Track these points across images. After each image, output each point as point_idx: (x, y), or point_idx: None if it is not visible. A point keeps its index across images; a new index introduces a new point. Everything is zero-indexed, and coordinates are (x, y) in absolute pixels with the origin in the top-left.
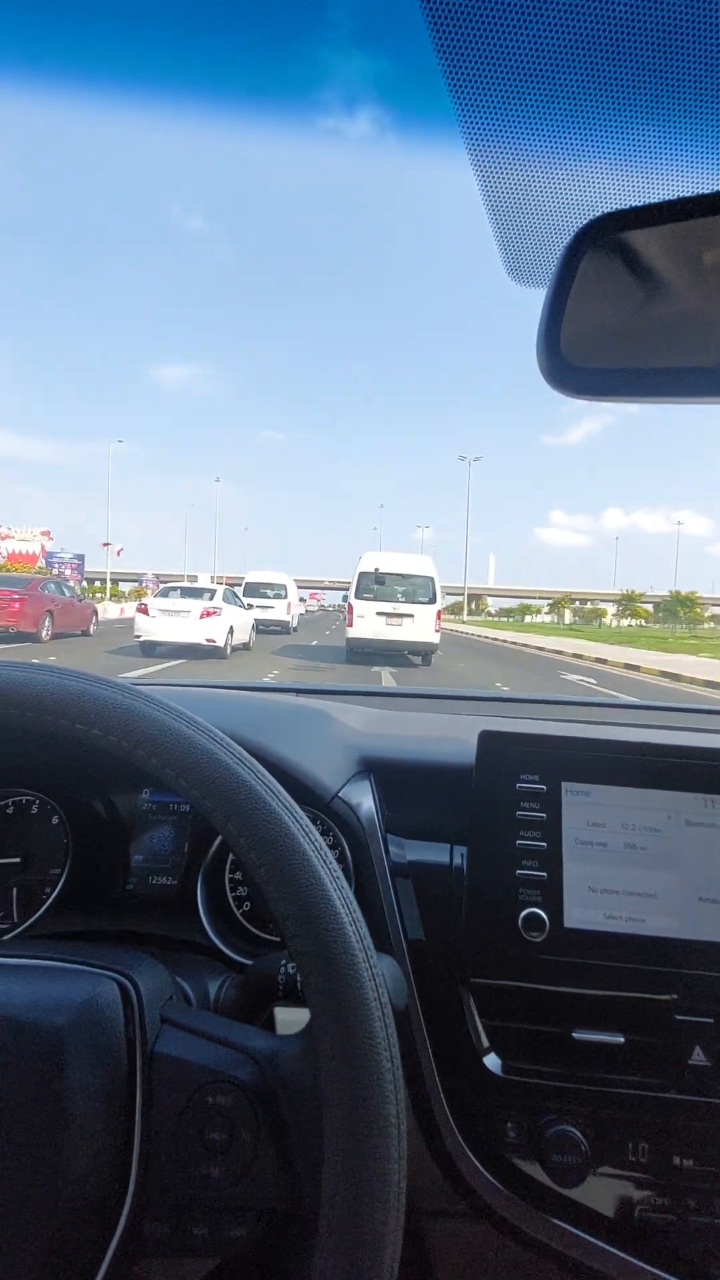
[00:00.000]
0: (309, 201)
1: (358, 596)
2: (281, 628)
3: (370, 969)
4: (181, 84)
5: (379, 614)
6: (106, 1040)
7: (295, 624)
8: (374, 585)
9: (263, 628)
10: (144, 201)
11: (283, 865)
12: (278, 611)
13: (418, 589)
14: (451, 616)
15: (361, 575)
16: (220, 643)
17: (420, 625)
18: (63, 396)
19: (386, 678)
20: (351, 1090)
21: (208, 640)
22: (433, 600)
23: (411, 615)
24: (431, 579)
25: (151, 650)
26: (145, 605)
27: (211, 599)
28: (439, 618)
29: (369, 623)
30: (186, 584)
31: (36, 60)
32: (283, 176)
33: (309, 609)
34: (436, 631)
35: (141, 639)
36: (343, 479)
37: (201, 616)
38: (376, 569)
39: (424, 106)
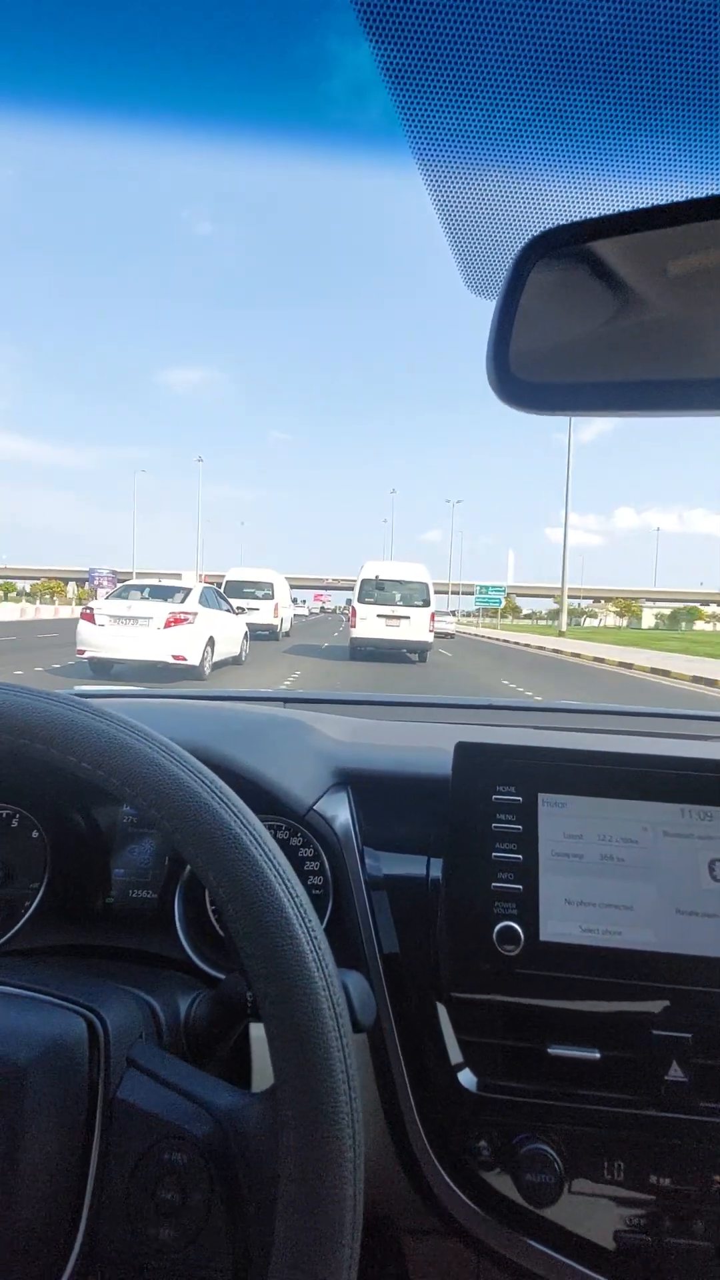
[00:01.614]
0: (314, 205)
1: (360, 601)
2: (268, 633)
3: (332, 1006)
4: (187, 92)
5: (379, 616)
6: (69, 1082)
7: (287, 628)
8: (375, 590)
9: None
10: (155, 208)
11: (243, 888)
12: (263, 614)
13: (414, 593)
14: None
15: (363, 582)
16: (193, 659)
17: (416, 626)
18: (71, 401)
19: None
20: (308, 1168)
21: (175, 657)
22: (427, 604)
23: (408, 617)
24: (426, 584)
25: (105, 670)
26: (91, 611)
27: (184, 601)
28: (433, 619)
29: (370, 624)
30: (154, 582)
31: (41, 65)
32: (288, 180)
33: (312, 611)
34: (430, 631)
35: (87, 655)
36: (352, 474)
37: (167, 625)
38: (377, 576)
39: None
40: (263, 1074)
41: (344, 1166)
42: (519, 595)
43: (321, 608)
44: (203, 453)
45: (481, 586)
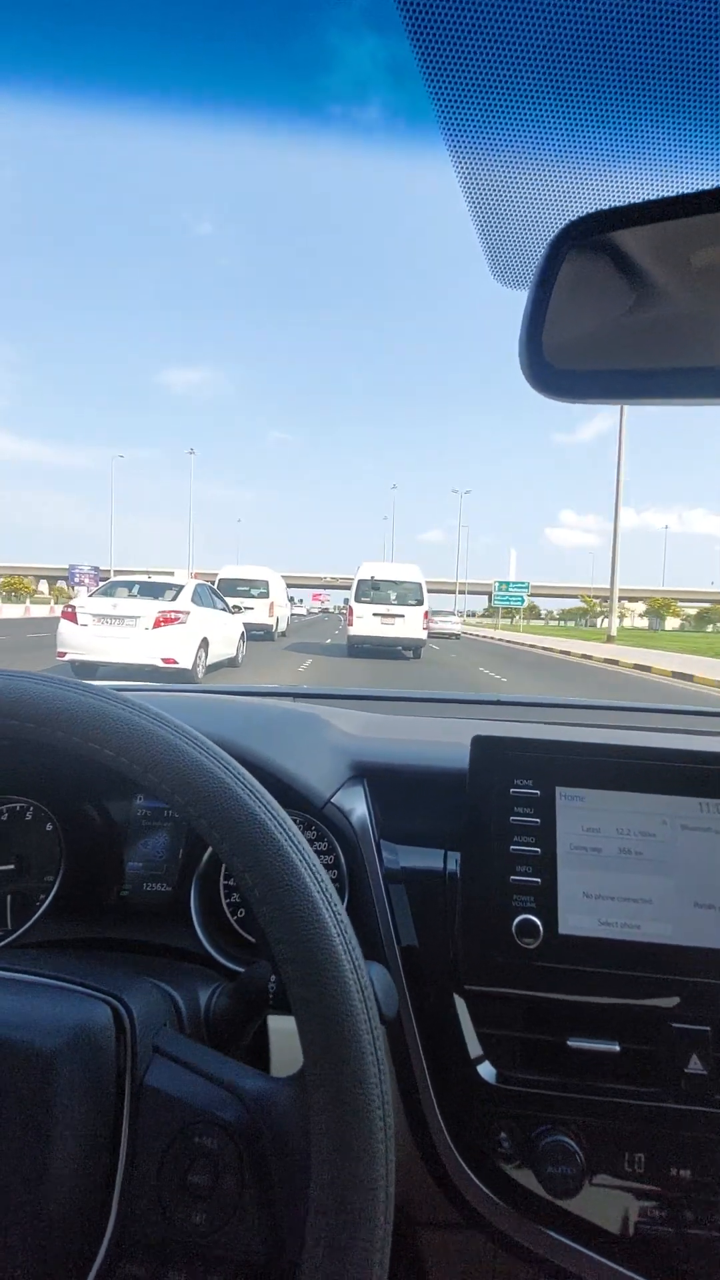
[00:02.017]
0: (317, 203)
1: (356, 600)
2: (263, 632)
3: (360, 988)
4: (190, 89)
5: (375, 615)
6: (97, 1069)
7: (283, 627)
8: (371, 590)
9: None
10: (156, 208)
11: (269, 873)
12: (258, 613)
13: (408, 593)
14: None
15: (360, 582)
16: (184, 662)
17: (410, 624)
18: (70, 402)
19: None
20: (341, 1150)
21: (165, 660)
22: (420, 603)
23: (403, 615)
24: (420, 584)
25: (89, 675)
26: (72, 610)
27: (175, 599)
28: (426, 617)
29: (367, 622)
30: (143, 578)
31: (40, 62)
32: (290, 179)
33: (310, 610)
34: (425, 629)
35: (68, 658)
36: (352, 472)
37: (155, 625)
38: (373, 576)
39: (408, 108)
40: (282, 1065)
41: (375, 1148)
42: (529, 595)
43: (321, 608)
44: (203, 454)
45: (501, 583)
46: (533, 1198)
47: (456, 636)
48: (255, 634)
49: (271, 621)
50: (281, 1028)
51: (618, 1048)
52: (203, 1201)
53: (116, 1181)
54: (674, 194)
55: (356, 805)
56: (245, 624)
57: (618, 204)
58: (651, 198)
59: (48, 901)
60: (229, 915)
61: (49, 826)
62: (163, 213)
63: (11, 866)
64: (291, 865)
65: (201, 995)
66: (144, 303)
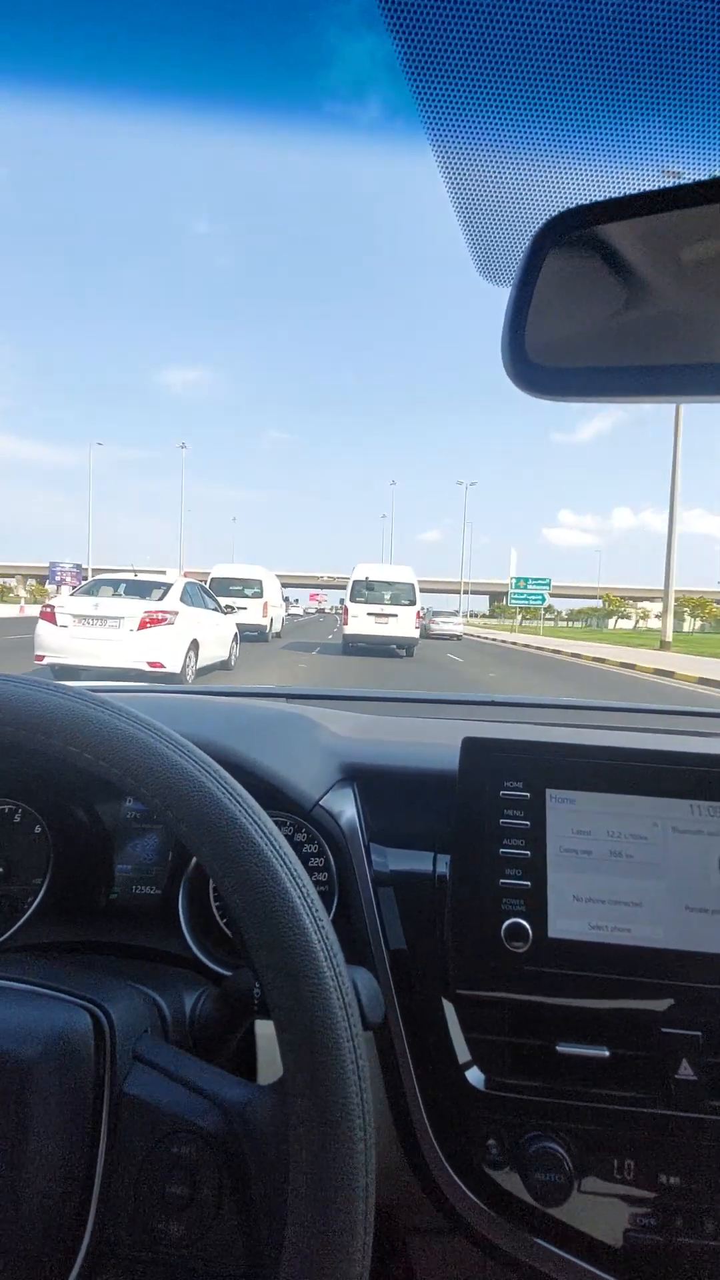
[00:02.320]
0: (312, 202)
1: (351, 600)
2: (257, 633)
3: (340, 995)
4: (185, 88)
5: (369, 614)
6: (75, 1077)
7: (278, 628)
8: (365, 590)
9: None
10: (152, 207)
11: (248, 877)
12: (252, 613)
13: (401, 593)
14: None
15: (355, 583)
16: (172, 665)
17: (403, 623)
18: (67, 402)
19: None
20: (319, 1159)
21: (150, 664)
22: (413, 603)
23: (396, 615)
24: (412, 585)
25: (72, 679)
26: (51, 609)
27: (163, 598)
28: (419, 617)
29: (361, 621)
30: (130, 576)
31: (37, 60)
32: (285, 177)
33: (307, 611)
34: (416, 628)
35: (46, 661)
36: (350, 470)
37: (141, 626)
38: (367, 577)
39: (399, 105)
40: (268, 1070)
41: (355, 1158)
42: (564, 598)
43: (318, 608)
44: (200, 453)
45: (517, 579)
46: (520, 1205)
47: (457, 638)
48: (249, 635)
49: (265, 622)
50: (268, 1033)
51: (607, 1053)
52: (181, 1212)
53: (94, 1192)
54: (657, 188)
55: (346, 807)
56: (238, 624)
57: (600, 199)
58: (634, 192)
59: (35, 904)
60: (217, 919)
61: (37, 829)
62: (160, 212)
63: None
64: (272, 870)
65: (187, 1000)
66: (149, 307)
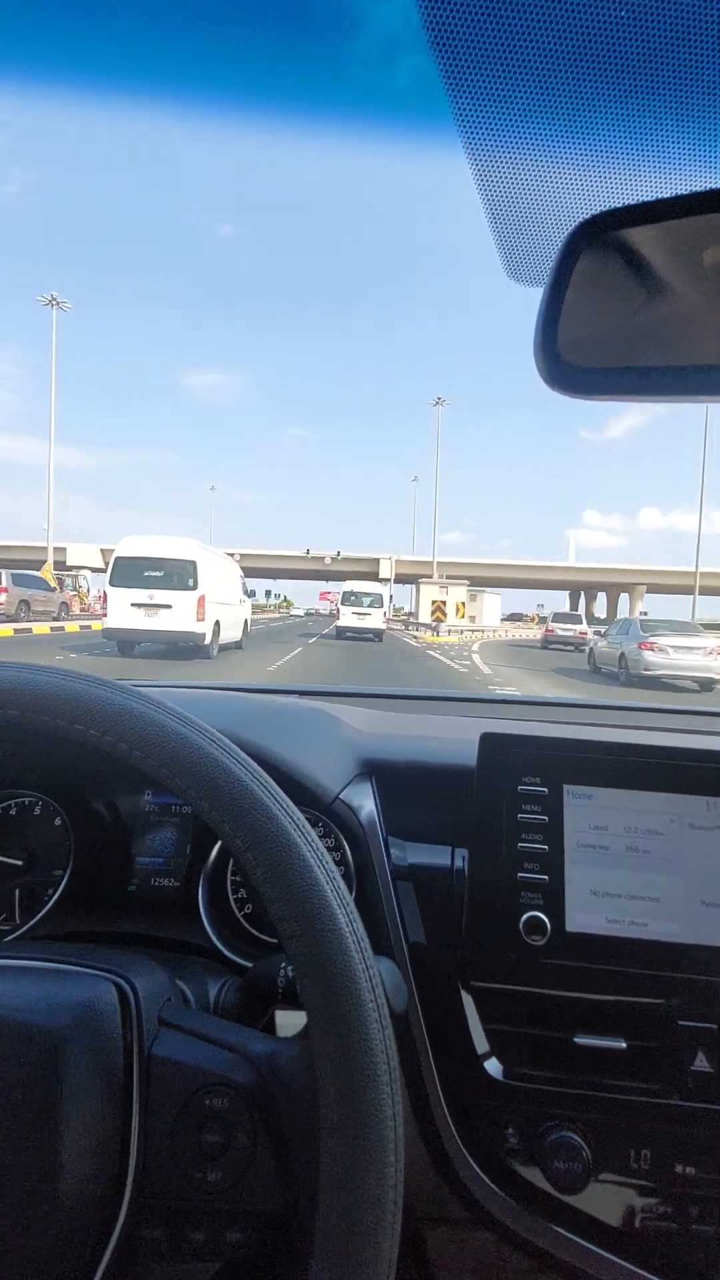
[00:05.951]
0: (332, 202)
1: (343, 604)
2: (189, 643)
3: (367, 970)
4: (207, 88)
5: (354, 613)
6: (104, 1043)
7: (236, 635)
8: (351, 598)
9: (126, 649)
10: (178, 211)
11: (279, 866)
12: (179, 614)
13: (374, 600)
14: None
15: (345, 594)
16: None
17: (374, 618)
18: (95, 406)
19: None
20: (347, 1091)
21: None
22: (381, 606)
23: (370, 614)
24: (380, 595)
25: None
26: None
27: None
28: (385, 617)
29: (348, 617)
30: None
31: (60, 65)
32: (307, 178)
33: (319, 612)
34: (384, 622)
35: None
36: (367, 468)
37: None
38: (352, 591)
39: (428, 108)
40: None
41: (381, 1088)
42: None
43: (331, 609)
44: (217, 452)
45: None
46: (539, 1193)
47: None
48: (173, 651)
49: (202, 629)
50: (288, 1022)
51: (624, 1045)
52: (217, 1159)
53: (131, 1150)
54: (689, 191)
55: (364, 802)
56: (155, 630)
57: (632, 201)
58: (666, 195)
59: (56, 895)
60: (236, 911)
61: (58, 821)
62: (184, 215)
63: (20, 861)
64: (305, 863)
65: (211, 988)
66: (175, 311)
